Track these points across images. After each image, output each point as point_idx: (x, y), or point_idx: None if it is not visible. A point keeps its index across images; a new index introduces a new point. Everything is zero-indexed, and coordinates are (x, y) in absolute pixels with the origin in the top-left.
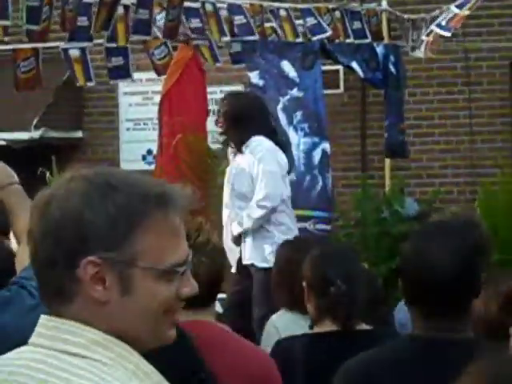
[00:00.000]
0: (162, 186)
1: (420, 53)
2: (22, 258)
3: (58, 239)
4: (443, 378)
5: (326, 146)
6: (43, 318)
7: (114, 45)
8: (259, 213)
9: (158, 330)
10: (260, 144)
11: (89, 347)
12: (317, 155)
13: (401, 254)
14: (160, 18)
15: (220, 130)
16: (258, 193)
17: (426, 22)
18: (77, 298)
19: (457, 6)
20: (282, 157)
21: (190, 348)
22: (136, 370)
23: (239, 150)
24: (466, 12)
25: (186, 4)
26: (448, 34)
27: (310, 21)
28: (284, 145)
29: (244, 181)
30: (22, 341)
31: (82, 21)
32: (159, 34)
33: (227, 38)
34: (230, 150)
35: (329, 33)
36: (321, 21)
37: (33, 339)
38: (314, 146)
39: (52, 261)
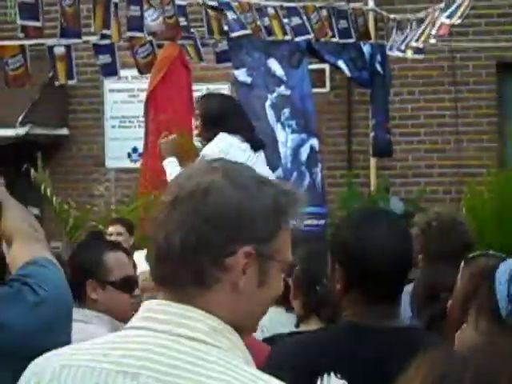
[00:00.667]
0: (289, 186)
1: (406, 54)
2: (16, 257)
3: (218, 227)
4: (378, 363)
5: (315, 141)
6: (154, 303)
7: (103, 42)
8: None
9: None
10: (214, 140)
11: (209, 333)
12: (304, 151)
13: (338, 240)
14: (148, 15)
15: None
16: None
17: (411, 24)
18: (216, 286)
19: (447, 17)
20: (236, 154)
21: None
22: (244, 357)
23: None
24: (456, 21)
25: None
26: (434, 41)
27: (295, 20)
28: (258, 142)
29: None
30: (26, 336)
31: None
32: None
33: (217, 37)
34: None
35: (311, 35)
36: (305, 21)
37: (140, 323)
38: (302, 142)
39: (205, 247)
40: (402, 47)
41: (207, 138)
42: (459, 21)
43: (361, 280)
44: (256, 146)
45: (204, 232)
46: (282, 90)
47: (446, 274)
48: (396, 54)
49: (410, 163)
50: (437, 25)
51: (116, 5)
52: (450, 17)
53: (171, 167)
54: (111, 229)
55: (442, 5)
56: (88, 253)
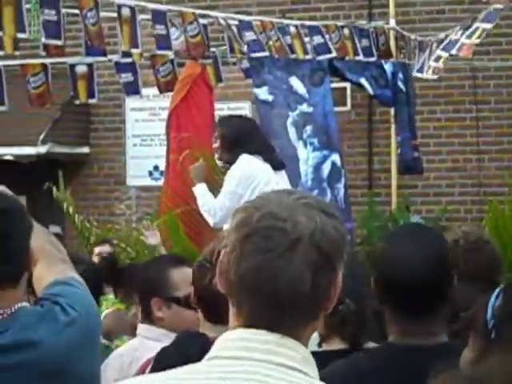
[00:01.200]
0: None
1: (426, 74)
2: (41, 277)
3: (335, 263)
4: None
5: (337, 157)
6: (241, 332)
7: (125, 60)
8: (205, 214)
9: None
10: (239, 162)
11: (301, 362)
12: (326, 168)
13: (376, 254)
14: (171, 33)
15: (216, 151)
16: (216, 200)
17: (431, 45)
18: (319, 320)
19: (467, 37)
20: (268, 170)
21: None
22: None
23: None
24: (475, 41)
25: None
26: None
27: (317, 39)
28: (278, 162)
29: None
30: (57, 356)
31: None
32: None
33: (238, 55)
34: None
35: (333, 54)
36: (327, 40)
37: (230, 353)
38: (324, 158)
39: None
40: (425, 68)
41: (227, 160)
42: (478, 40)
43: (390, 296)
44: (276, 166)
45: (330, 273)
46: (304, 107)
47: (470, 293)
48: (421, 75)
49: (431, 182)
50: (457, 45)
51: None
52: (469, 36)
53: (202, 196)
54: (99, 249)
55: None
56: (152, 270)
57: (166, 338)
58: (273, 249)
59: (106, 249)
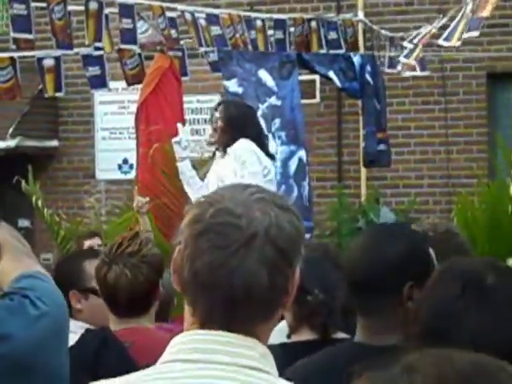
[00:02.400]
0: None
1: (397, 70)
2: (6, 271)
3: (292, 261)
4: None
5: (303, 154)
6: (197, 334)
7: (93, 53)
8: None
9: None
10: (241, 146)
11: (260, 360)
12: (293, 164)
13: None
14: (138, 27)
15: (214, 138)
16: None
17: (400, 41)
18: (277, 317)
19: (445, 39)
20: (265, 159)
21: (123, 354)
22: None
23: (225, 151)
24: (456, 43)
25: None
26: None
27: (278, 34)
28: (271, 154)
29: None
30: (28, 349)
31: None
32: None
33: (206, 48)
34: (217, 155)
35: (291, 50)
36: (287, 36)
37: (188, 356)
38: (291, 154)
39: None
40: (398, 65)
41: (223, 142)
42: (459, 43)
43: (349, 292)
44: (271, 155)
45: (286, 270)
46: (273, 100)
47: None
48: (391, 70)
49: (400, 174)
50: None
51: (107, 16)
52: (447, 39)
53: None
54: (90, 242)
55: (435, 24)
56: (67, 264)
57: (82, 330)
58: (228, 246)
59: (96, 241)
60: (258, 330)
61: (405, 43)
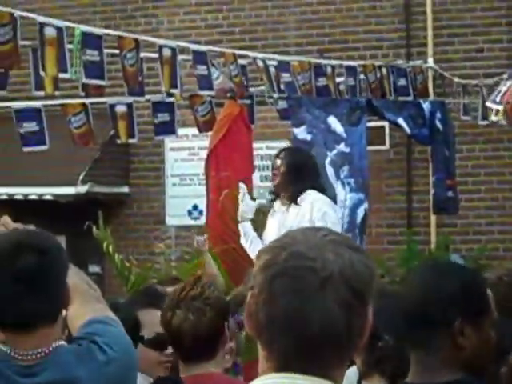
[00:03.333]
0: None
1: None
2: (77, 316)
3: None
4: None
5: (367, 205)
6: (276, 377)
7: (165, 100)
8: None
9: None
10: (319, 198)
11: None
12: (360, 213)
13: None
14: (212, 73)
15: (274, 182)
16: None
17: (481, 88)
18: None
19: None
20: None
21: None
22: None
23: (295, 202)
24: None
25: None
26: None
27: (350, 81)
28: (332, 200)
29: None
30: None
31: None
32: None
33: (276, 95)
34: (277, 203)
35: (366, 95)
36: (357, 82)
37: None
38: (359, 202)
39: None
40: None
41: (287, 189)
42: None
43: (401, 325)
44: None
45: (361, 310)
46: (342, 147)
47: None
48: (466, 118)
49: (470, 220)
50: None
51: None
52: None
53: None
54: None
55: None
56: (122, 311)
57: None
58: (303, 289)
59: None
60: (334, 374)
61: (488, 103)
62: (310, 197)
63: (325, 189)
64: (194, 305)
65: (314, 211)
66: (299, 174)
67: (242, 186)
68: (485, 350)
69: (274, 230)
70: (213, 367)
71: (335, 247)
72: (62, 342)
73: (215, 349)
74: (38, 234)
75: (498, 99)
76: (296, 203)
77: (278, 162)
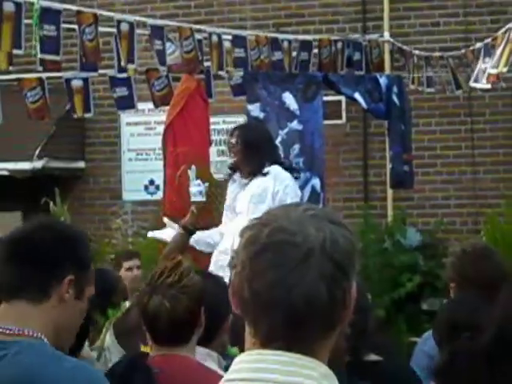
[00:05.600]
0: None
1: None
2: None
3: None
4: None
5: (316, 181)
6: (258, 353)
7: (121, 75)
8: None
9: None
10: (281, 172)
11: (320, 379)
12: (306, 193)
13: None
14: (167, 48)
15: (232, 157)
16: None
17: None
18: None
19: (493, 67)
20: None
21: (150, 380)
22: None
23: (259, 173)
24: (503, 69)
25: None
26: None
27: (304, 56)
28: (297, 172)
29: (266, 199)
30: None
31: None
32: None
33: (224, 73)
34: (237, 174)
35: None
36: (312, 57)
37: (249, 374)
38: (305, 182)
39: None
40: (483, 79)
41: (249, 168)
42: (505, 69)
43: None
44: (295, 176)
45: (344, 283)
46: (295, 124)
47: (473, 310)
48: (430, 89)
49: (426, 194)
50: (485, 75)
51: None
52: (495, 67)
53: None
54: (130, 263)
55: (477, 46)
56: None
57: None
58: (286, 263)
59: (136, 262)
60: (318, 349)
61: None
62: (274, 170)
63: (283, 162)
64: (170, 292)
65: (277, 184)
66: (257, 150)
67: (192, 168)
68: None
69: (243, 203)
70: (186, 352)
71: (316, 221)
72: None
73: (189, 334)
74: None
75: (483, 81)
76: (262, 174)
77: (233, 140)
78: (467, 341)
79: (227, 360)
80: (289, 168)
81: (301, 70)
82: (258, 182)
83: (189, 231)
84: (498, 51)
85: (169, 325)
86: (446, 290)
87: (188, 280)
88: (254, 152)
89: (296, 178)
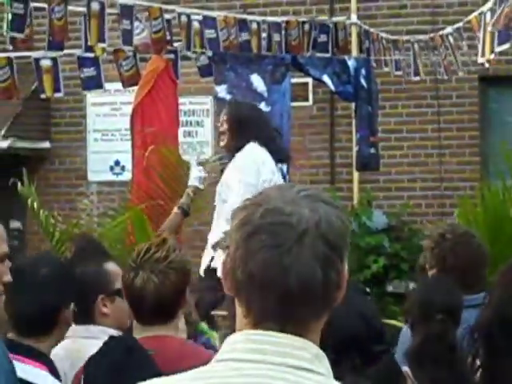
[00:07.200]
0: None
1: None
2: None
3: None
4: None
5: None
6: (251, 334)
7: (88, 55)
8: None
9: None
10: (244, 154)
11: (312, 361)
12: None
13: None
14: (134, 28)
15: (222, 143)
16: (233, 204)
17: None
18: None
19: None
20: (268, 171)
21: (149, 363)
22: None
23: (233, 156)
24: (490, 56)
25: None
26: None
27: (276, 37)
28: (284, 155)
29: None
30: None
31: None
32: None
33: (192, 53)
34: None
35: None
36: (283, 38)
37: (241, 355)
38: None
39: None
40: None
41: (233, 146)
42: (492, 56)
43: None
44: (281, 158)
45: (338, 264)
46: (262, 106)
47: (446, 292)
48: (399, 73)
49: (392, 177)
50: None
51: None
52: (483, 55)
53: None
54: None
55: (449, 29)
56: (89, 269)
57: (104, 335)
58: (280, 244)
59: None
60: (311, 329)
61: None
62: (248, 147)
63: (272, 139)
64: (157, 267)
65: (236, 168)
66: (241, 128)
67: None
68: None
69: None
70: (170, 330)
71: (310, 202)
72: None
73: (174, 313)
74: None
75: (480, 34)
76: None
77: (223, 117)
78: (440, 324)
79: (200, 337)
80: (274, 151)
81: (269, 52)
82: (231, 165)
83: (183, 212)
84: (480, 37)
85: (156, 301)
86: (411, 272)
87: (176, 256)
88: (238, 129)
89: (280, 161)
